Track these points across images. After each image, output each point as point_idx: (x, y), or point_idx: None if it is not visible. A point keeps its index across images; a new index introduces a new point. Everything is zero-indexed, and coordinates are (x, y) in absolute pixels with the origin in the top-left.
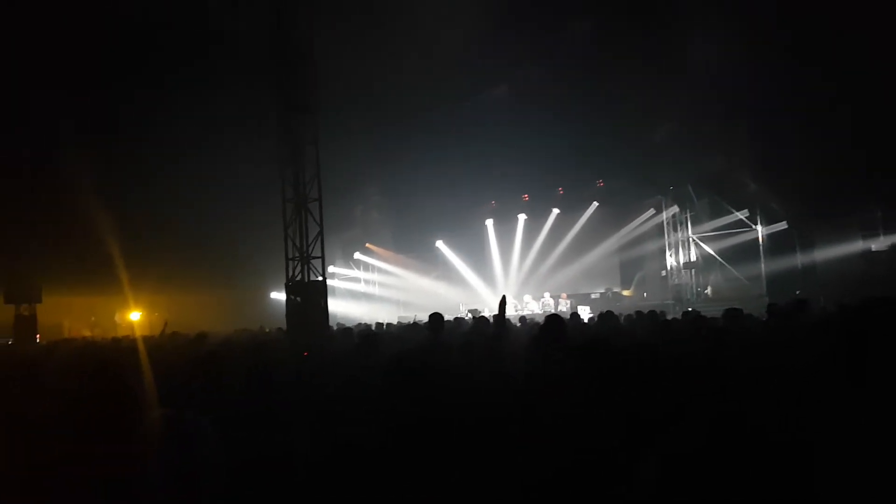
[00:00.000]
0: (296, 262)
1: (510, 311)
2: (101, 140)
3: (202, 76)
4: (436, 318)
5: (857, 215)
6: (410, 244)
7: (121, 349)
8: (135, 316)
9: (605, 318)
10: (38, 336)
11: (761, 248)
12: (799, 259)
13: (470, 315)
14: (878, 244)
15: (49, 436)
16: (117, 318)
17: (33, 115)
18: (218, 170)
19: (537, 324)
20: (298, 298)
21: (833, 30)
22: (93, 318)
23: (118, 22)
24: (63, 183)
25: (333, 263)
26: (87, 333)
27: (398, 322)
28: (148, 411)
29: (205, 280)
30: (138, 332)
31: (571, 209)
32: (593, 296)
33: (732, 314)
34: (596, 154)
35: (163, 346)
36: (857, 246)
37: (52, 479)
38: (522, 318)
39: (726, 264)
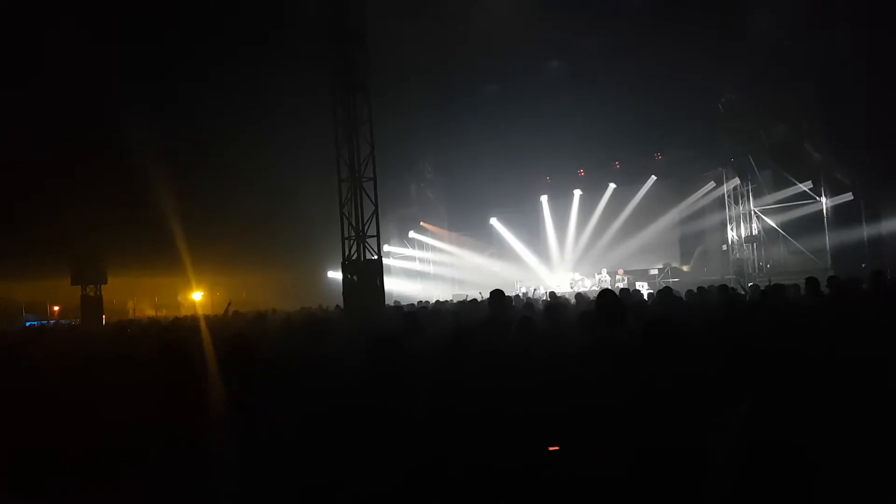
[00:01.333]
0: (352, 241)
1: (566, 289)
2: (163, 122)
3: (260, 57)
4: (497, 295)
5: None
6: (465, 222)
7: (182, 328)
8: (197, 296)
9: (663, 295)
10: (104, 317)
11: (826, 220)
12: (865, 231)
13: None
14: None
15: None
16: (180, 298)
17: (98, 98)
18: (275, 150)
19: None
20: (355, 277)
21: None
22: (156, 299)
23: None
24: (127, 166)
25: (388, 242)
26: (151, 313)
27: (452, 300)
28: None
29: (265, 260)
30: (200, 312)
31: (629, 183)
32: (652, 272)
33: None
34: (653, 126)
35: (227, 325)
36: None
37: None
38: (578, 295)
39: (789, 237)
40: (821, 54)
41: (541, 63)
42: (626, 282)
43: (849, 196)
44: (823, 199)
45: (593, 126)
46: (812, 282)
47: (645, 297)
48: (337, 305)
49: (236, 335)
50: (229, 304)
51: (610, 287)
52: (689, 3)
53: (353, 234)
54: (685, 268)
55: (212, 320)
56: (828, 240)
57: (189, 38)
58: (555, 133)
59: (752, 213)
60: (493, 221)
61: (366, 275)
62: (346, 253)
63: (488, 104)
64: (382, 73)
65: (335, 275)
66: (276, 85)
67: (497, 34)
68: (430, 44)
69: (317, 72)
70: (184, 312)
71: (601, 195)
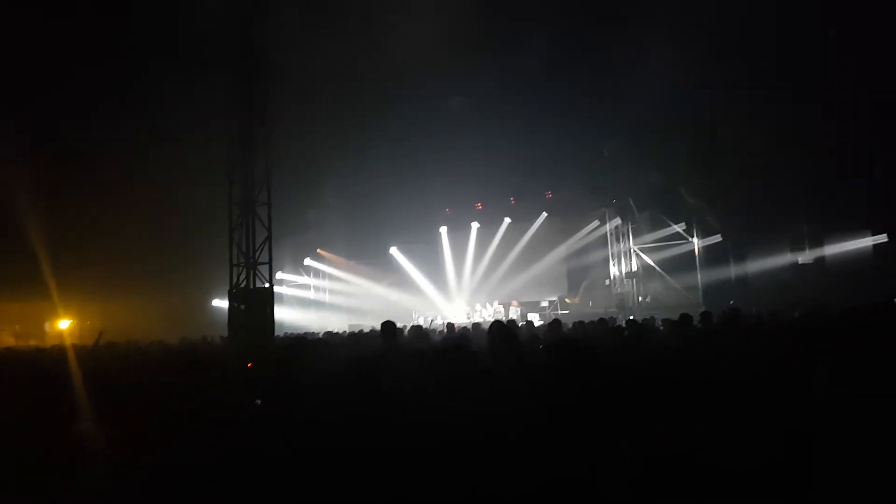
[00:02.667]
0: (241, 268)
1: (462, 319)
2: (29, 137)
3: (144, 71)
4: (388, 326)
5: (786, 230)
6: (364, 251)
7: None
8: (64, 324)
9: (553, 326)
10: None
11: (697, 259)
12: (732, 270)
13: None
14: (805, 257)
15: None
16: (47, 326)
17: None
18: (157, 169)
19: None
20: (242, 306)
21: (770, 55)
22: (17, 327)
23: (57, 18)
24: None
25: (282, 269)
26: (11, 342)
27: (347, 330)
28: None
29: (143, 286)
30: (69, 342)
31: (522, 218)
32: (543, 303)
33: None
34: (546, 166)
35: (97, 356)
36: (786, 258)
37: None
38: (476, 325)
39: (665, 274)
40: (696, 110)
41: (443, 98)
42: (518, 313)
43: (717, 238)
44: (695, 240)
45: (492, 162)
46: (685, 318)
47: (536, 327)
48: (221, 336)
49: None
50: (101, 334)
51: (503, 318)
52: (582, 53)
53: (242, 260)
54: (573, 300)
55: (80, 351)
56: (699, 277)
57: (67, 42)
58: (455, 167)
59: (633, 250)
60: (393, 251)
61: (255, 304)
62: (235, 280)
63: (390, 134)
64: (283, 93)
65: (221, 303)
66: (165, 97)
67: (402, 65)
68: (335, 68)
69: (212, 87)
70: (49, 342)
71: (497, 229)
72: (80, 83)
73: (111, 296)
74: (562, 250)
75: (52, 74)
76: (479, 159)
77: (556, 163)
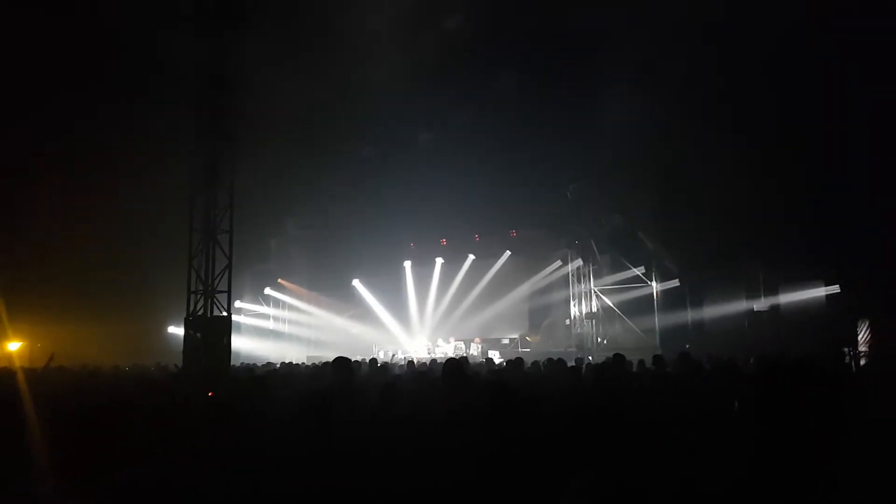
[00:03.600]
0: (198, 296)
1: (423, 354)
2: None
3: (107, 97)
4: (341, 362)
5: (742, 278)
6: (326, 282)
7: None
8: (13, 346)
9: (513, 364)
10: None
11: (655, 302)
12: (689, 315)
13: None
14: (760, 305)
15: None
16: None
17: None
18: (116, 194)
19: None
20: (199, 335)
21: (730, 106)
22: None
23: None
24: None
25: (241, 298)
26: None
27: (306, 362)
28: None
29: (97, 310)
30: (18, 364)
31: (486, 256)
32: (504, 341)
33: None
34: (510, 205)
35: (46, 380)
36: (741, 305)
37: None
38: (433, 361)
39: (624, 316)
40: (657, 156)
41: (410, 134)
42: (480, 350)
43: (675, 282)
44: (654, 284)
45: (457, 199)
46: (649, 360)
47: (496, 363)
48: (175, 364)
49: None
50: (51, 357)
51: (464, 354)
52: (547, 98)
53: (201, 288)
54: (534, 339)
55: (30, 374)
56: (657, 320)
57: (28, 66)
58: (421, 202)
59: (593, 291)
60: (356, 283)
61: (212, 332)
62: (192, 308)
63: (358, 167)
64: (249, 122)
65: (176, 331)
66: (127, 123)
67: (370, 100)
68: (302, 100)
69: (176, 113)
70: None
71: (461, 265)
72: (38, 107)
73: (64, 319)
74: (524, 288)
75: (11, 98)
76: (444, 196)
77: (520, 202)
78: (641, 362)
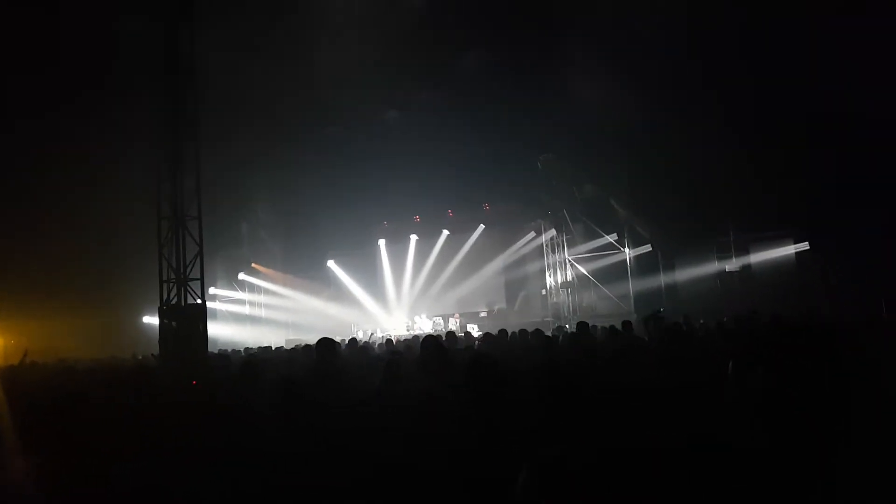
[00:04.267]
0: (171, 285)
1: (402, 332)
2: None
3: (70, 85)
4: (325, 343)
5: (713, 239)
6: (300, 264)
7: None
8: None
9: (489, 338)
10: None
11: (629, 268)
12: (662, 279)
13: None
14: (731, 265)
15: None
16: None
17: None
18: (83, 184)
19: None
20: (174, 323)
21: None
22: None
23: None
24: None
25: (215, 285)
26: None
27: (285, 346)
28: None
29: (70, 303)
30: None
31: (460, 231)
32: (482, 314)
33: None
34: (482, 178)
35: (21, 376)
36: (713, 267)
37: None
38: (416, 338)
39: (599, 284)
40: (625, 124)
41: (379, 110)
42: (458, 324)
43: (647, 248)
44: (627, 250)
45: (429, 175)
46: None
47: (475, 336)
48: (153, 354)
49: None
50: (25, 353)
51: (443, 330)
52: (518, 67)
53: (173, 276)
54: (511, 310)
55: (5, 371)
56: (631, 286)
57: None
58: (393, 179)
59: (567, 261)
60: (331, 264)
61: (187, 321)
62: (165, 297)
63: (327, 146)
64: (213, 106)
65: (151, 320)
66: (91, 111)
67: (336, 78)
68: (266, 81)
69: (140, 101)
70: None
71: (436, 241)
72: (2, 99)
73: (36, 314)
74: (499, 261)
75: None
76: (416, 172)
77: (492, 175)
78: (613, 328)
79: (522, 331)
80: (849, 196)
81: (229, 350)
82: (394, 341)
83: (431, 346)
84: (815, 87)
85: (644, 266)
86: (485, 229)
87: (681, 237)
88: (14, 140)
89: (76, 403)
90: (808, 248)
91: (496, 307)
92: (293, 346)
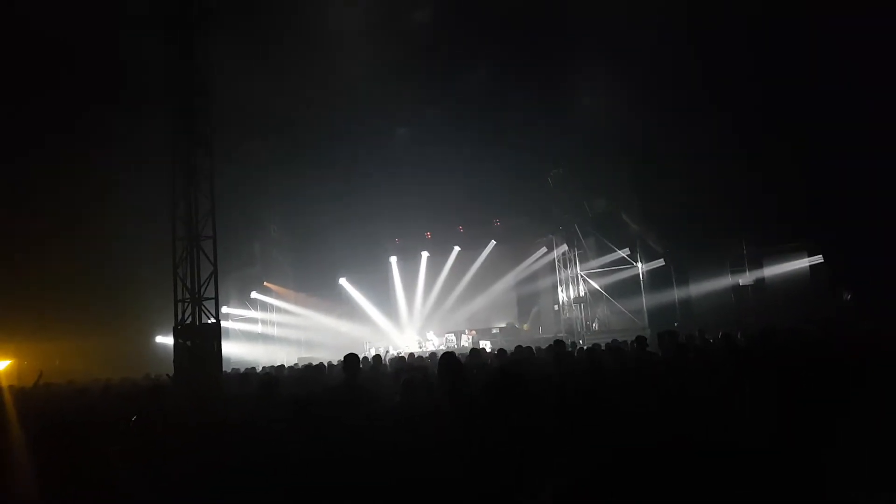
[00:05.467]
0: (186, 304)
1: (414, 349)
2: None
3: (84, 107)
4: (351, 359)
5: (726, 253)
6: (312, 282)
7: None
8: (1, 365)
9: (502, 354)
10: None
11: (642, 283)
12: (676, 294)
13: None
14: (745, 279)
15: None
16: None
17: None
18: (98, 205)
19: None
20: (188, 342)
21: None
22: None
23: None
24: None
25: (228, 304)
26: None
27: (298, 363)
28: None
29: (83, 324)
30: (5, 383)
31: (472, 247)
32: (494, 330)
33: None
34: (493, 194)
35: (35, 398)
36: (726, 281)
37: None
38: (433, 354)
39: (612, 299)
40: (636, 138)
41: (389, 128)
42: (471, 341)
43: (661, 262)
44: (640, 265)
45: (439, 191)
46: (640, 340)
47: (488, 351)
48: (167, 374)
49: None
50: (40, 375)
51: (455, 346)
52: (527, 84)
53: (187, 296)
54: (524, 327)
55: (19, 393)
56: (644, 301)
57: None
58: (403, 196)
59: (579, 276)
60: (343, 281)
61: (201, 340)
62: (180, 317)
63: (338, 165)
64: (227, 126)
65: (165, 340)
66: (105, 132)
67: (347, 97)
68: (279, 101)
69: (153, 122)
70: None
71: (447, 257)
72: (14, 118)
73: (50, 334)
74: (511, 277)
75: None
76: (426, 189)
77: (502, 191)
78: (619, 349)
79: (538, 348)
80: (864, 208)
81: (242, 369)
82: (405, 359)
83: (447, 365)
84: (828, 96)
85: (657, 280)
86: (496, 245)
87: (694, 251)
88: (27, 160)
89: (88, 425)
90: (822, 260)
91: (523, 325)
92: (306, 363)
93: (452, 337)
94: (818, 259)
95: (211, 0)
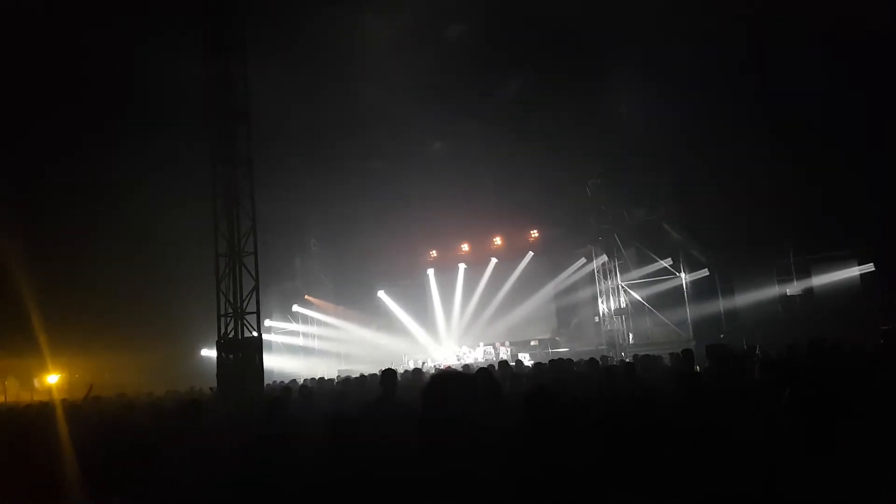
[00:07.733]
0: (228, 319)
1: (452, 361)
2: (18, 192)
3: (130, 127)
4: (389, 374)
5: (773, 262)
6: (351, 295)
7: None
8: (52, 378)
9: (539, 367)
10: None
11: (686, 294)
12: (721, 304)
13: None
14: (793, 289)
15: None
16: (36, 381)
17: None
18: (145, 224)
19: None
20: (231, 356)
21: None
22: (6, 383)
23: (36, 70)
24: None
25: (270, 317)
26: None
27: (339, 375)
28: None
29: (131, 338)
30: (57, 396)
31: (509, 258)
32: (532, 343)
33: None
34: (529, 206)
35: (85, 411)
36: (773, 291)
37: None
38: (466, 367)
39: (654, 310)
40: (677, 145)
41: (426, 142)
42: (509, 353)
43: (705, 272)
44: (683, 275)
45: (476, 204)
46: (687, 353)
47: (527, 365)
48: (211, 388)
49: None
50: (90, 388)
51: (494, 359)
52: (563, 93)
53: (230, 310)
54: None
55: (70, 406)
56: (688, 312)
57: (48, 104)
58: (440, 209)
59: (620, 287)
60: (381, 294)
61: (244, 354)
62: (223, 331)
63: (375, 179)
64: (266, 144)
65: (209, 353)
66: (151, 153)
67: (383, 113)
68: (318, 116)
69: (196, 144)
70: (37, 398)
71: (484, 269)
72: (70, 139)
73: (99, 349)
74: (549, 289)
75: (43, 134)
76: (463, 202)
77: (540, 202)
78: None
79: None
80: None
81: (283, 381)
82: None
83: (484, 382)
84: (879, 100)
85: (701, 291)
86: (534, 256)
87: (739, 260)
88: (77, 183)
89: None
90: (874, 269)
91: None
92: (345, 376)
93: (490, 349)
94: (869, 267)
95: (250, 26)
